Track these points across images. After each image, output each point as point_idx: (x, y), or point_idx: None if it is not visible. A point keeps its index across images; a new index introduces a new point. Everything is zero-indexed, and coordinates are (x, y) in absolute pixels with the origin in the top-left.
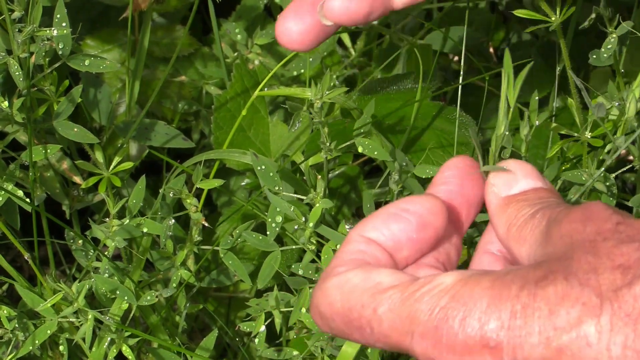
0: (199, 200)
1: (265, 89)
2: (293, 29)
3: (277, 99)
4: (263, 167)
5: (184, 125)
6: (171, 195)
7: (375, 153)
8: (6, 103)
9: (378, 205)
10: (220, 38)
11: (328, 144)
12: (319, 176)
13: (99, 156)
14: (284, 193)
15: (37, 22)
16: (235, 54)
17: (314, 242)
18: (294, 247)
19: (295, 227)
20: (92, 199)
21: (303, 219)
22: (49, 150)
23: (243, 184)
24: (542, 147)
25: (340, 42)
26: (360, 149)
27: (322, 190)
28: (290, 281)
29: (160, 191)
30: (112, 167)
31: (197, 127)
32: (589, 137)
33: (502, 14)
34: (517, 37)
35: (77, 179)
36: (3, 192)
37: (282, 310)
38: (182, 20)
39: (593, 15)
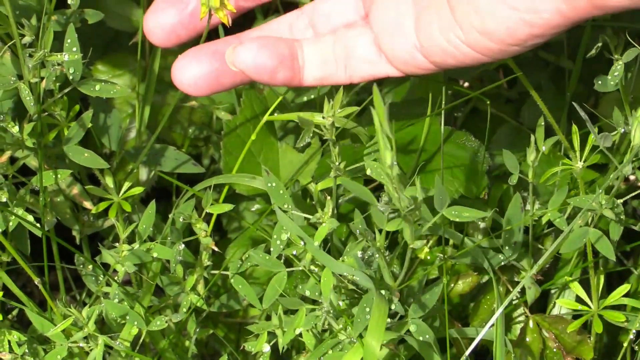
0: (208, 225)
1: (275, 114)
2: (188, 70)
3: (287, 125)
4: (273, 184)
5: (194, 150)
6: (181, 220)
7: (382, 177)
8: (17, 128)
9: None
10: None
11: (337, 163)
12: (328, 197)
13: (109, 181)
14: (293, 212)
15: (48, 47)
16: None
17: (319, 264)
18: (300, 268)
19: (294, 252)
20: (102, 224)
21: (302, 242)
22: (59, 176)
23: (253, 209)
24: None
25: None
26: (368, 171)
27: (330, 210)
28: (285, 302)
29: (169, 216)
30: (122, 192)
31: (207, 153)
32: (581, 167)
33: None
34: (528, 63)
35: (87, 204)
36: (14, 217)
37: (285, 330)
38: (193, 45)
39: (600, 43)
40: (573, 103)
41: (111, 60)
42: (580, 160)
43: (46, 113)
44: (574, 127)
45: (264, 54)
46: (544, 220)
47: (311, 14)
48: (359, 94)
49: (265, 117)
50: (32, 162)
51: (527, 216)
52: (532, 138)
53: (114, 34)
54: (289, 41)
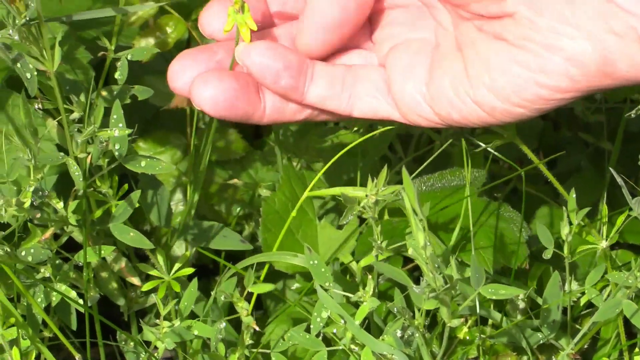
0: (250, 303)
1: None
2: (208, 87)
3: (325, 204)
4: (315, 261)
5: (236, 228)
6: (223, 298)
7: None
8: (61, 204)
9: None
10: (274, 141)
11: (380, 242)
12: (369, 275)
13: (160, 260)
14: (334, 290)
15: (98, 123)
16: (287, 156)
17: (359, 343)
18: (340, 347)
19: (334, 330)
20: (149, 301)
21: (342, 321)
22: (103, 252)
23: (293, 288)
24: (591, 254)
25: (391, 147)
26: (410, 251)
27: (371, 289)
28: None
29: (212, 293)
30: (173, 272)
31: (249, 230)
32: (604, 246)
33: (553, 121)
34: (568, 144)
35: (134, 281)
36: (56, 293)
37: None
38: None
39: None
40: (611, 170)
41: (153, 138)
42: (605, 240)
43: (92, 189)
44: (604, 211)
45: (270, 54)
46: (583, 301)
47: None
48: (398, 173)
49: (306, 193)
50: (78, 235)
51: (566, 295)
52: (565, 212)
53: (155, 111)
54: (300, 55)
